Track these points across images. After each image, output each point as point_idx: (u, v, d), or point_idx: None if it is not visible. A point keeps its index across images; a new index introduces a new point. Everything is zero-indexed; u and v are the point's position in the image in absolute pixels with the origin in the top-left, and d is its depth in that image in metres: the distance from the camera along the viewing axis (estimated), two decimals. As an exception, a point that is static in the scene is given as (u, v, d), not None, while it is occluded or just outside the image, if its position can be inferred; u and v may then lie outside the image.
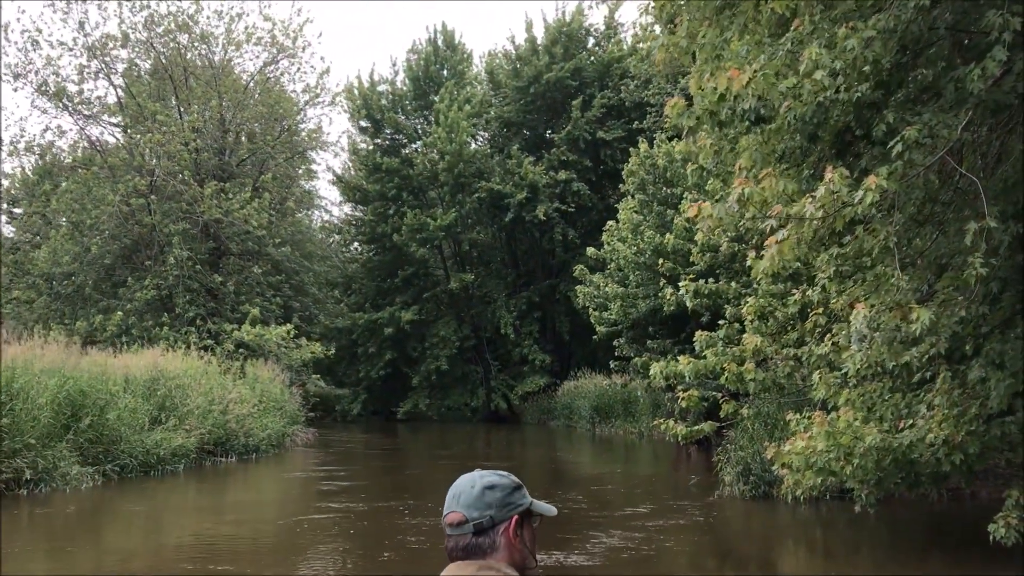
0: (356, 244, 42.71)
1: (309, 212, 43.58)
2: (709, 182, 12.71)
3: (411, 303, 37.21)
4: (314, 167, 41.29)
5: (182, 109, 30.11)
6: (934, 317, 5.64)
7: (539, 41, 38.43)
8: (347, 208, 42.87)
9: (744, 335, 10.85)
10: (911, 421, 7.06)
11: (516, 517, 1.89)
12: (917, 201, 6.22)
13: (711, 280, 12.24)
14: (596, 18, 50.38)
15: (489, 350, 38.26)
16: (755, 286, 11.53)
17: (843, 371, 8.86)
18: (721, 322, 11.54)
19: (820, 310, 8.52)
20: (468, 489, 1.91)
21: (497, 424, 34.59)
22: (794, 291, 9.98)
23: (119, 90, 31.12)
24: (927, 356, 6.62)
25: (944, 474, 7.36)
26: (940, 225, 6.67)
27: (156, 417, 15.86)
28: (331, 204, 52.56)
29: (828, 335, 9.19)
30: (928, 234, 6.75)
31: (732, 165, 8.77)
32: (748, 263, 10.83)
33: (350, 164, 41.45)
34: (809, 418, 8.42)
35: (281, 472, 18.04)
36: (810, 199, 5.74)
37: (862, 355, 6.38)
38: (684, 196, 18.24)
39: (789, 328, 11.09)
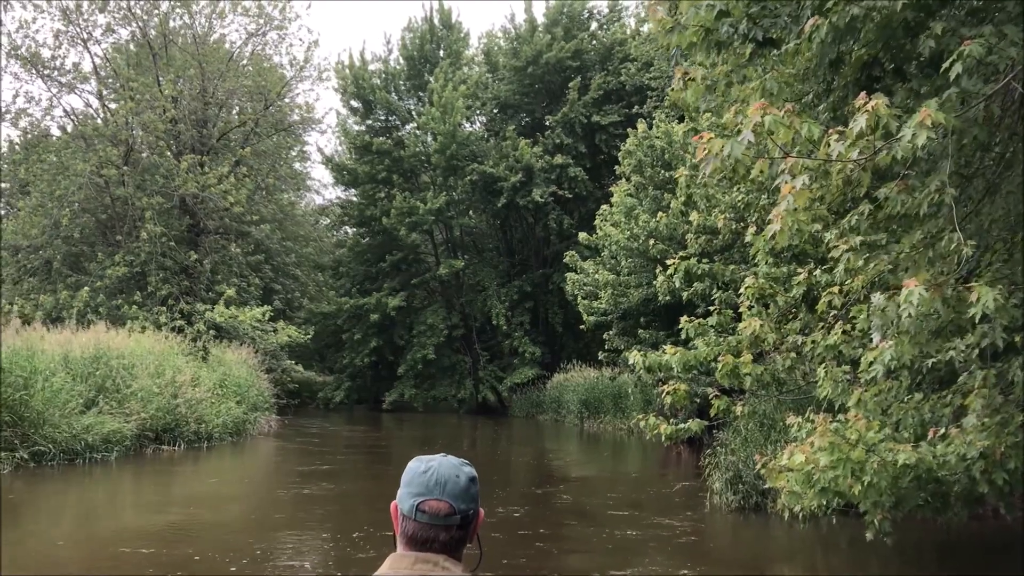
0: (346, 228, 41.28)
1: (300, 193, 42.32)
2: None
3: (399, 289, 35.83)
4: (306, 148, 40.14)
5: (161, 78, 28.66)
6: (1000, 299, 4.23)
7: (539, 21, 37.09)
8: (339, 191, 41.51)
9: (741, 323, 9.41)
10: (942, 430, 5.65)
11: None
12: (976, 143, 4.79)
13: (705, 260, 10.90)
14: (599, 1, 48.99)
15: (479, 340, 36.94)
16: (754, 268, 10.12)
17: (857, 365, 7.48)
18: (712, 307, 10.14)
19: (836, 289, 6.97)
20: (454, 479, 1.83)
21: (484, 416, 33.27)
22: (799, 270, 8.58)
23: (95, 57, 29.77)
24: (977, 350, 5.22)
25: (978, 496, 6.00)
26: (991, 183, 5.26)
27: (93, 399, 14.49)
28: (321, 186, 51.12)
29: (840, 322, 7.79)
30: (975, 194, 5.34)
31: (731, 117, 7.39)
32: (747, 238, 9.52)
33: (341, 145, 40.12)
34: (812, 421, 7.02)
35: (221, 465, 16.37)
36: (837, 136, 4.34)
37: (893, 350, 4.97)
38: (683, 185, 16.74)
39: (791, 316, 9.69)
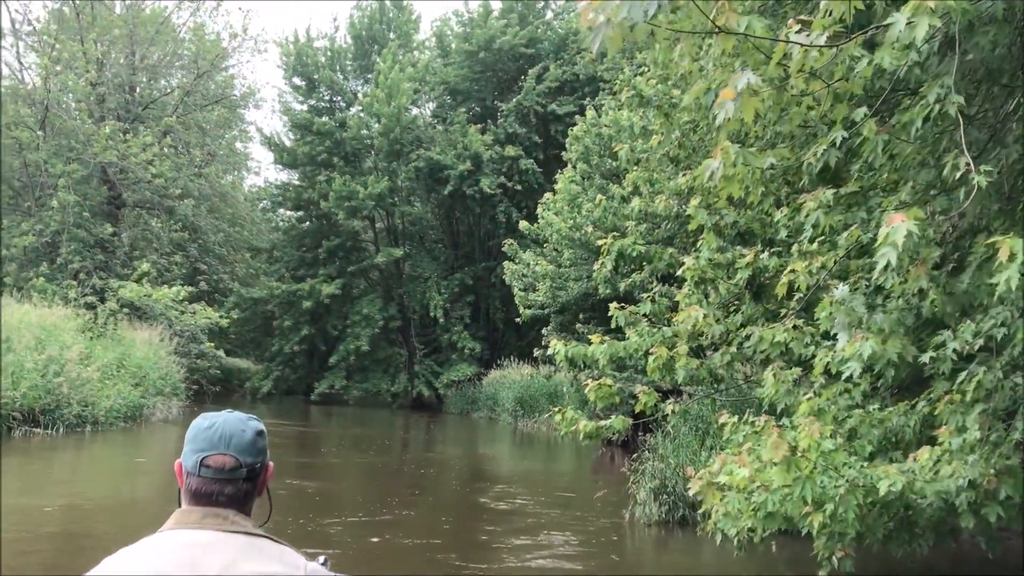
0: (283, 210, 39.45)
1: (239, 175, 40.60)
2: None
3: (335, 276, 34.21)
4: (246, 128, 38.43)
5: (84, 38, 26.76)
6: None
7: (495, 6, 35.86)
8: (277, 171, 39.77)
9: (680, 312, 8.20)
10: (926, 452, 4.42)
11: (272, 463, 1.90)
12: (983, 64, 3.59)
13: (639, 242, 9.73)
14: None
15: (416, 333, 35.51)
16: (696, 253, 8.93)
17: (809, 366, 6.30)
18: (645, 294, 8.95)
19: (801, 266, 5.30)
20: (240, 433, 1.82)
21: (418, 412, 31.84)
22: (745, 253, 7.42)
23: (14, 13, 27.85)
24: (981, 341, 4.03)
25: (957, 528, 4.87)
26: (999, 123, 4.06)
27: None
28: (262, 167, 49.38)
29: (792, 315, 6.59)
30: (980, 137, 4.12)
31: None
32: (688, 210, 8.35)
33: (282, 124, 38.46)
34: (753, 424, 5.82)
35: (85, 455, 14.36)
36: (799, 28, 3.13)
37: (873, 344, 3.77)
38: (626, 169, 15.47)
39: (732, 308, 8.52)
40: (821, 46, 2.99)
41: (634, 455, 11.17)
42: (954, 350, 4.24)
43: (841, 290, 5.04)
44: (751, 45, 3.14)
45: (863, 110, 3.59)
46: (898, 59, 3.08)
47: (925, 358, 4.31)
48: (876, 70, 3.26)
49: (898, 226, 3.01)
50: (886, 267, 3.09)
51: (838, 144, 3.88)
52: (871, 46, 3.52)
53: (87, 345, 16.69)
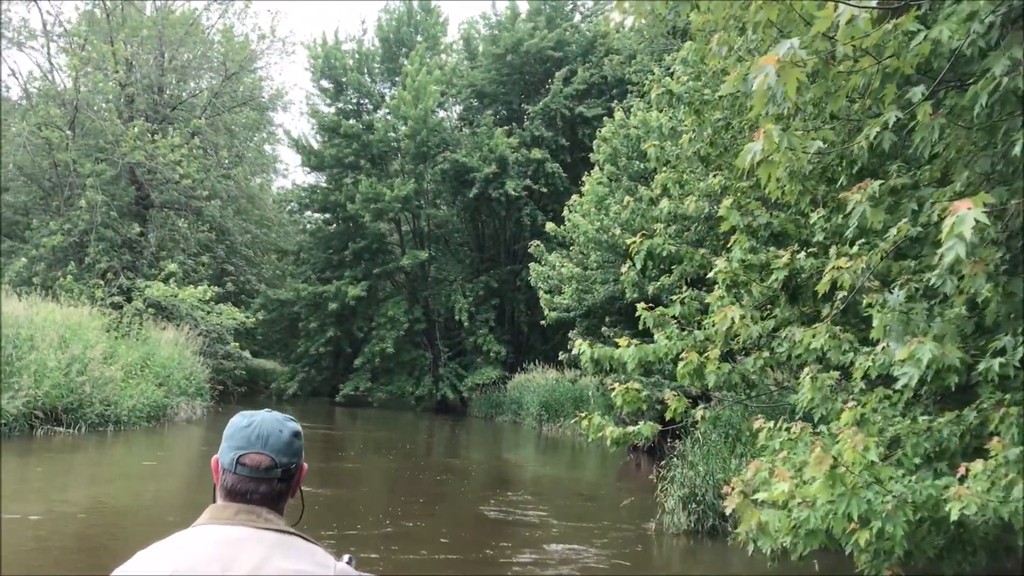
0: (310, 212, 39.53)
1: (267, 177, 40.78)
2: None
3: (361, 278, 34.17)
4: (274, 130, 38.60)
5: (113, 38, 26.89)
6: None
7: (522, 8, 35.71)
8: (304, 174, 39.93)
9: (715, 314, 7.89)
10: (979, 465, 4.11)
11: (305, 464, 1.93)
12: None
13: (669, 241, 9.42)
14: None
15: (441, 336, 35.36)
16: (728, 255, 8.64)
17: (848, 372, 6.02)
18: (675, 297, 8.67)
19: (843, 263, 5.01)
20: (277, 433, 1.84)
21: (442, 415, 31.67)
22: (780, 253, 7.13)
23: (46, 15, 28.05)
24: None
25: (1012, 547, 4.58)
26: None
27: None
28: (289, 169, 49.58)
29: (828, 320, 6.31)
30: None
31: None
32: (720, 211, 8.07)
33: (310, 127, 38.58)
34: (788, 430, 5.56)
35: (103, 453, 14.05)
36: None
37: (931, 349, 3.50)
38: (655, 170, 15.19)
39: (766, 313, 8.23)
40: (873, 7, 2.74)
41: (662, 462, 10.90)
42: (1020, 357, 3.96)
43: (896, 295, 4.74)
44: (796, 14, 2.90)
45: (920, 89, 3.33)
46: (958, 33, 2.83)
47: (995, 364, 4.02)
48: (932, 48, 3.00)
49: (964, 214, 2.73)
50: (954, 262, 2.82)
51: (891, 125, 3.60)
52: (925, 25, 3.27)
53: (111, 344, 16.68)
